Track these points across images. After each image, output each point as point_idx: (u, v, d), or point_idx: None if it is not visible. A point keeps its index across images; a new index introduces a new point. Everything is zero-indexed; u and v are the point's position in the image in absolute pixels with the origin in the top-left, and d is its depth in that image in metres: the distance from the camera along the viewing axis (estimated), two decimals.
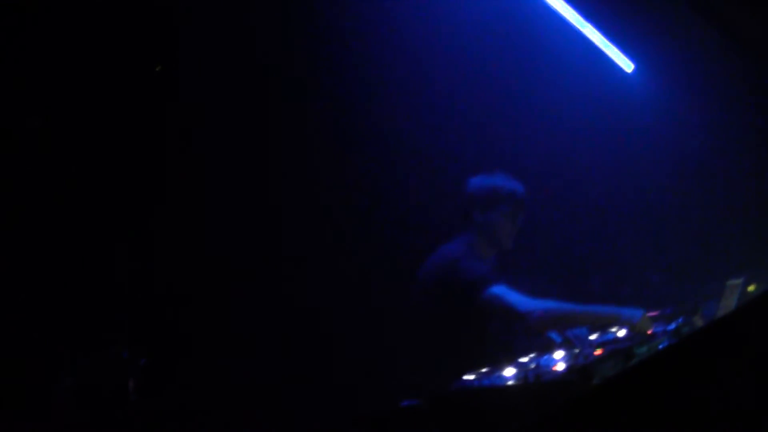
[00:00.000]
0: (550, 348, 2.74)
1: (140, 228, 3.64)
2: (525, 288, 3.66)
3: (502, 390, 2.35)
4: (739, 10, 4.43)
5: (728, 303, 2.91)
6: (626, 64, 5.02)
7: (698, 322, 2.82)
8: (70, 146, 3.47)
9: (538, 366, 2.47)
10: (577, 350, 2.60)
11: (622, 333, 2.83)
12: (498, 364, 2.62)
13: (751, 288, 2.98)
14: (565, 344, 2.78)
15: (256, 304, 3.88)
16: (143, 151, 3.65)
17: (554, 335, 2.86)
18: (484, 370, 2.64)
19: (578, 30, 4.57)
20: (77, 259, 3.42)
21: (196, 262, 3.77)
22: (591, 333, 2.91)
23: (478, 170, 4.19)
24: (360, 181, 4.26)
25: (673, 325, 2.72)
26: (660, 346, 2.51)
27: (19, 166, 3.32)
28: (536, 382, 2.28)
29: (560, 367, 2.38)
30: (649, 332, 2.71)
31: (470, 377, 2.56)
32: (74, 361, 3.25)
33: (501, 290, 3.05)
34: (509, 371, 2.50)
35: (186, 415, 3.38)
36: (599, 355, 2.39)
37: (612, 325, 2.91)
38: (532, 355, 2.73)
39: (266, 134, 4.02)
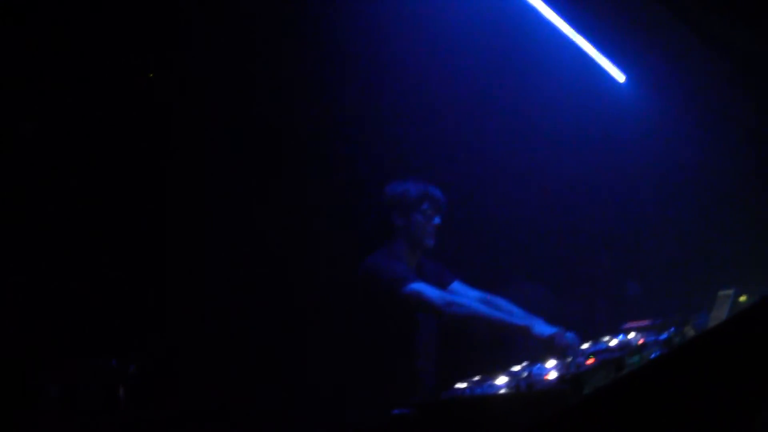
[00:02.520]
0: (543, 357, 2.74)
1: (132, 234, 3.63)
2: (520, 295, 3.69)
3: (493, 399, 2.34)
4: (730, 23, 4.46)
5: (719, 314, 2.92)
6: (618, 75, 5.05)
7: (689, 332, 2.83)
8: (67, 150, 3.46)
9: (529, 375, 2.47)
10: (569, 359, 2.60)
11: (614, 343, 2.83)
12: (490, 373, 2.62)
13: (742, 299, 2.99)
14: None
15: (248, 312, 3.87)
16: (138, 155, 3.64)
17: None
18: (476, 378, 2.63)
19: (572, 41, 4.59)
20: (66, 266, 3.40)
21: (186, 269, 3.76)
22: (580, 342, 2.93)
23: (470, 180, 4.21)
24: (350, 185, 4.25)
25: (664, 336, 2.72)
26: (651, 356, 2.52)
27: (15, 170, 3.31)
28: (528, 391, 2.28)
29: (552, 376, 2.38)
30: (640, 342, 2.71)
31: (462, 385, 2.56)
32: (63, 368, 3.23)
33: (420, 286, 3.16)
34: (501, 380, 2.50)
35: (176, 423, 3.36)
36: (591, 365, 2.40)
37: (520, 336, 3.00)
38: (524, 364, 2.73)
39: (266, 135, 4.02)
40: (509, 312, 3.26)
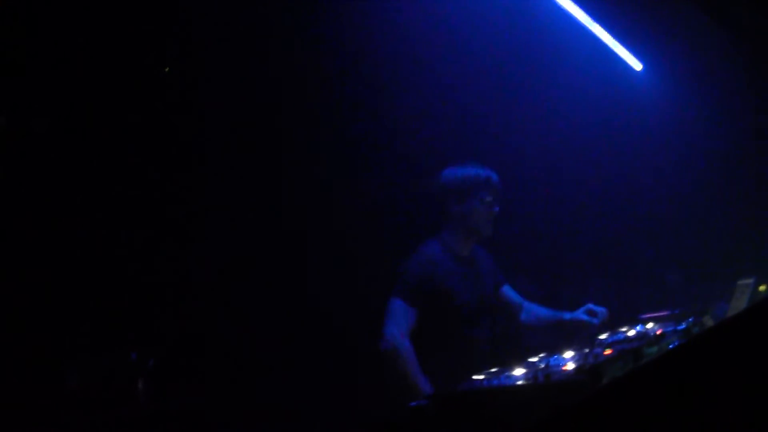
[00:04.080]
0: (560, 348, 2.73)
1: (149, 229, 3.64)
2: (526, 288, 3.70)
3: (511, 390, 2.34)
4: (748, 10, 4.41)
5: (739, 303, 2.89)
6: (635, 64, 5.01)
7: (708, 322, 2.81)
8: (77, 147, 3.47)
9: (547, 366, 2.47)
10: (587, 350, 2.59)
11: (632, 333, 2.82)
12: (508, 364, 2.61)
13: (762, 288, 2.95)
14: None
15: (265, 305, 3.88)
16: (151, 151, 3.66)
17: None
18: (493, 369, 2.63)
19: (588, 30, 4.56)
20: (85, 260, 3.42)
21: (204, 263, 3.78)
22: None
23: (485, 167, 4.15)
24: (368, 181, 4.25)
25: (683, 326, 2.71)
26: (670, 347, 2.50)
27: (28, 168, 3.33)
28: (546, 382, 2.28)
29: (570, 366, 2.38)
30: (658, 332, 2.70)
31: (479, 377, 2.56)
32: (83, 362, 3.25)
33: (398, 306, 3.14)
34: (519, 371, 2.50)
35: (194, 417, 3.38)
36: (609, 355, 2.39)
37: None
38: (541, 355, 2.72)
39: (268, 136, 4.02)
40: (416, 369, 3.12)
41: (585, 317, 3.30)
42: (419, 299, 3.17)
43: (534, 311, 3.55)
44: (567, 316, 3.40)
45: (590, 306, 3.34)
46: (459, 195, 3.31)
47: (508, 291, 3.57)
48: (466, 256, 3.38)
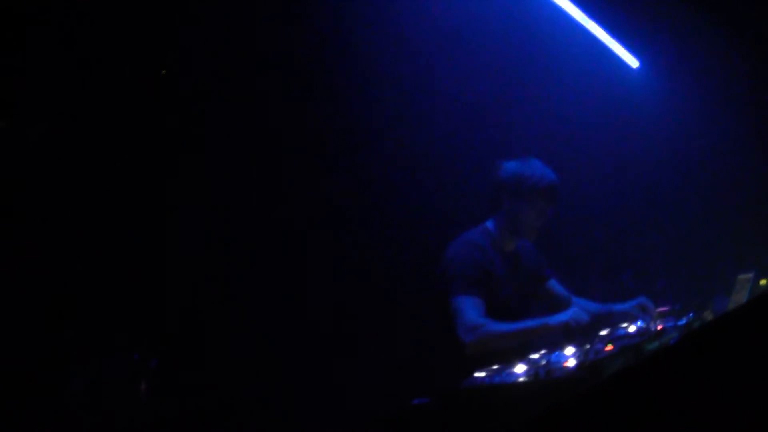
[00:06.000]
0: (561, 345, 2.74)
1: (151, 230, 3.65)
2: None
3: (512, 387, 2.35)
4: (745, 8, 4.43)
5: (739, 297, 2.89)
6: (632, 61, 5.03)
7: (709, 317, 2.82)
8: (79, 149, 3.48)
9: (548, 363, 2.47)
10: (587, 346, 2.60)
11: (633, 329, 2.82)
12: (508, 361, 2.62)
13: (762, 282, 2.96)
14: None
15: (267, 303, 3.89)
16: (153, 153, 3.66)
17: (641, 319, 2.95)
18: (494, 367, 2.63)
19: (585, 28, 4.57)
20: (87, 262, 3.42)
21: (205, 263, 3.78)
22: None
23: (484, 167, 4.18)
24: (368, 181, 4.26)
25: (683, 321, 2.71)
26: (671, 342, 2.51)
27: (30, 170, 3.33)
28: (547, 378, 2.28)
29: (571, 363, 2.38)
30: (659, 328, 2.70)
31: (481, 374, 2.56)
32: (85, 363, 3.26)
33: (464, 302, 2.99)
34: (520, 368, 2.50)
35: (197, 417, 3.39)
36: (609, 351, 2.39)
37: (544, 334, 2.93)
38: (542, 352, 2.73)
39: (272, 137, 4.03)
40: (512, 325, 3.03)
41: (636, 312, 3.18)
42: (480, 289, 3.05)
43: (583, 305, 3.46)
44: (618, 308, 3.31)
45: (643, 301, 3.24)
46: (512, 191, 3.17)
47: (554, 285, 3.48)
48: (511, 251, 3.28)
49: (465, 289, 3.01)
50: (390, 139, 4.31)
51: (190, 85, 3.81)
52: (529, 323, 2.99)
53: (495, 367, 2.63)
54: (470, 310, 2.97)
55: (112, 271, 3.47)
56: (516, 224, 3.20)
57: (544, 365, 2.44)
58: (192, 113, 3.80)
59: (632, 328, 2.82)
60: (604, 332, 2.86)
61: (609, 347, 2.47)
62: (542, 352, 2.73)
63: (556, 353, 2.59)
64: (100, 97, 3.52)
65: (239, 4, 3.83)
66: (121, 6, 3.49)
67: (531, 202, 3.16)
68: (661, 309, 3.10)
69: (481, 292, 3.04)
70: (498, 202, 3.21)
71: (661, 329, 2.66)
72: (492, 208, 3.24)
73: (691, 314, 2.77)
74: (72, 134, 3.46)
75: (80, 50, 3.43)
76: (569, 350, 2.59)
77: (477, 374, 2.56)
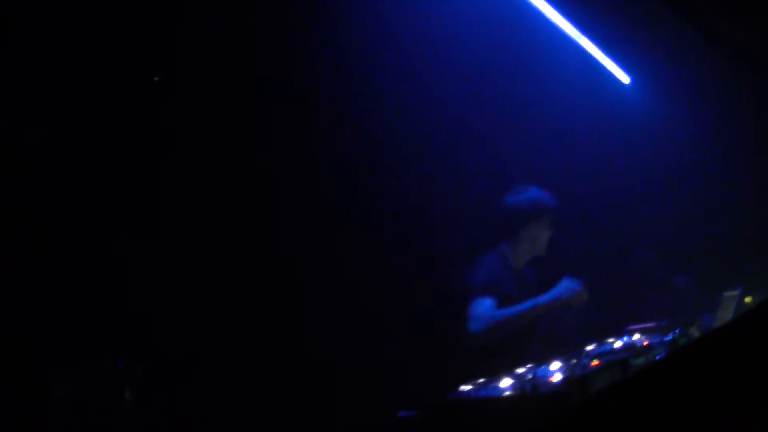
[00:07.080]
0: (547, 359, 2.74)
1: (136, 237, 3.64)
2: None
3: (498, 401, 2.35)
4: (734, 24, 4.46)
5: (725, 314, 2.91)
6: (623, 77, 5.05)
7: (694, 333, 2.83)
8: (71, 154, 3.47)
9: (534, 377, 2.47)
10: (573, 361, 2.60)
11: (618, 344, 2.83)
12: (495, 375, 2.62)
13: (747, 299, 2.98)
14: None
15: (254, 313, 3.88)
16: (142, 158, 3.65)
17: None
18: (480, 380, 2.64)
19: (576, 43, 4.59)
20: (72, 268, 3.41)
21: (191, 270, 3.77)
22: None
23: (478, 179, 4.24)
24: (355, 193, 4.25)
25: (669, 337, 2.72)
26: (656, 358, 2.52)
27: (19, 175, 3.32)
28: (533, 392, 2.29)
29: (557, 378, 2.39)
30: (645, 344, 2.71)
31: (467, 388, 2.56)
32: (70, 371, 3.24)
33: (477, 302, 3.30)
34: (506, 382, 2.50)
35: (183, 425, 3.37)
36: (596, 366, 2.40)
37: (555, 306, 3.26)
38: (529, 366, 2.73)
39: (273, 140, 4.03)
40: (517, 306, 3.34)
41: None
42: (493, 293, 3.35)
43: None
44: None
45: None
46: (525, 219, 3.57)
47: None
48: (521, 271, 3.63)
49: (480, 293, 3.33)
50: (385, 154, 4.31)
51: (190, 86, 3.81)
52: (527, 303, 3.29)
53: (481, 380, 2.64)
54: (481, 305, 3.29)
55: (96, 277, 3.46)
56: (533, 245, 3.60)
57: (531, 379, 2.44)
58: (192, 113, 3.80)
59: (618, 344, 2.83)
60: (590, 347, 2.87)
61: (595, 362, 2.47)
62: (529, 366, 2.74)
63: (543, 367, 2.60)
64: (100, 97, 3.52)
65: (239, 4, 3.84)
66: (121, 6, 3.50)
67: (542, 225, 3.59)
68: (646, 324, 3.11)
69: (494, 295, 3.35)
70: (512, 230, 3.60)
71: (647, 345, 2.67)
72: (510, 234, 3.60)
73: (677, 330, 2.79)
74: (65, 138, 3.46)
75: (80, 50, 3.42)
76: (555, 365, 2.59)
77: (463, 387, 2.57)
